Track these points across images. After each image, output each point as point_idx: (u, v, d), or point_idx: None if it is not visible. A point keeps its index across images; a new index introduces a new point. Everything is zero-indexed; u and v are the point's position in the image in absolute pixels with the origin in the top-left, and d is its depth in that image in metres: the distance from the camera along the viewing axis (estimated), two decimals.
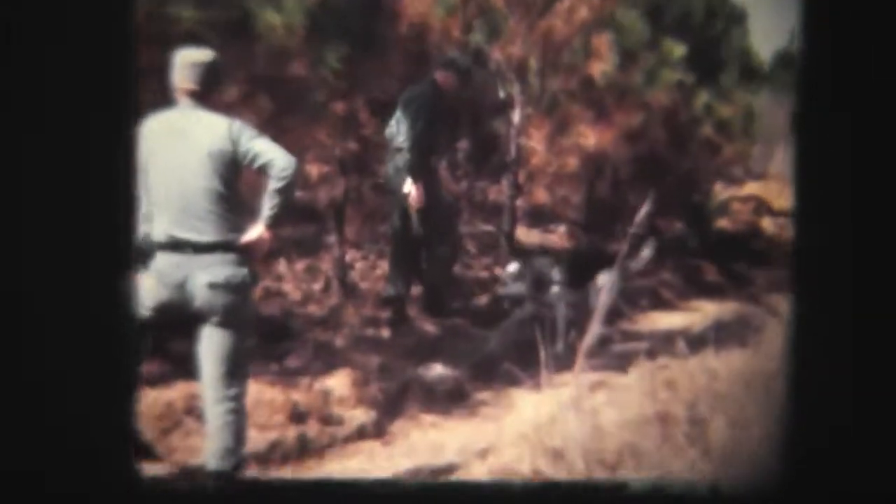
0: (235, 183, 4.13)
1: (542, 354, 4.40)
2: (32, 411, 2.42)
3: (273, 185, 4.08)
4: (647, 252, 7.14)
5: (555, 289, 6.96)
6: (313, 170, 7.10)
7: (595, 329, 4.42)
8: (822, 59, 2.47)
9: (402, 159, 6.81)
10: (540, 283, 7.01)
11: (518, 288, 7.03)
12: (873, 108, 2.46)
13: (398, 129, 6.85)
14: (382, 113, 7.24)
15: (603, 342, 6.39)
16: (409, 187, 6.79)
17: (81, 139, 2.41)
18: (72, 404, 2.43)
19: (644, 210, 4.23)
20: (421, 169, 6.84)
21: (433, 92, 6.98)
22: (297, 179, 4.16)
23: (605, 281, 6.77)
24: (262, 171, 4.11)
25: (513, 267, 7.17)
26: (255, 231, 4.13)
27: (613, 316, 6.78)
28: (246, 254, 4.13)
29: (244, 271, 4.11)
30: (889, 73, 2.44)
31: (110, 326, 2.45)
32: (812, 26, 2.47)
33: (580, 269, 7.08)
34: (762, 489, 2.76)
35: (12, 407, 2.41)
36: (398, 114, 6.90)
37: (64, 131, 2.40)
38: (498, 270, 8.98)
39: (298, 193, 5.98)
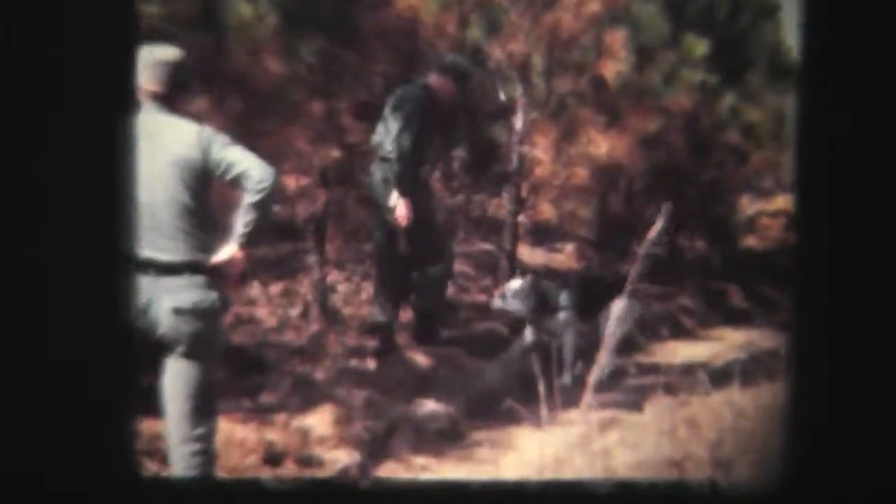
0: (205, 196, 4.10)
1: (546, 388, 4.39)
2: (32, 411, 2.54)
3: (248, 198, 4.04)
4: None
5: (562, 315, 6.97)
6: (291, 181, 7.10)
7: (606, 361, 4.44)
8: (822, 60, 2.54)
9: (388, 169, 6.76)
10: (544, 307, 7.01)
11: (517, 306, 7.03)
12: (876, 110, 2.54)
13: (385, 136, 6.80)
14: (368, 117, 7.25)
15: (615, 375, 6.44)
16: (396, 201, 6.73)
17: (80, 138, 2.50)
18: (72, 404, 2.55)
19: (658, 225, 4.23)
20: (409, 180, 6.77)
21: (426, 96, 6.94)
22: (275, 193, 4.13)
23: (619, 308, 6.75)
24: (236, 183, 4.07)
25: (517, 283, 7.16)
26: (227, 251, 4.10)
27: (627, 346, 6.80)
28: (216, 276, 4.10)
29: (214, 296, 4.09)
30: (890, 73, 2.52)
31: (110, 326, 2.55)
32: (813, 27, 2.54)
33: (592, 295, 7.06)
34: (762, 489, 2.86)
35: (12, 407, 2.51)
36: (385, 118, 6.86)
37: (59, 133, 2.49)
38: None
39: (275, 208, 5.98)
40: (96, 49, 2.50)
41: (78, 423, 2.59)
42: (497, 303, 7.26)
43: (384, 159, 6.78)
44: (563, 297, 7.03)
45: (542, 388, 4.37)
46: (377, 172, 6.88)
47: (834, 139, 2.57)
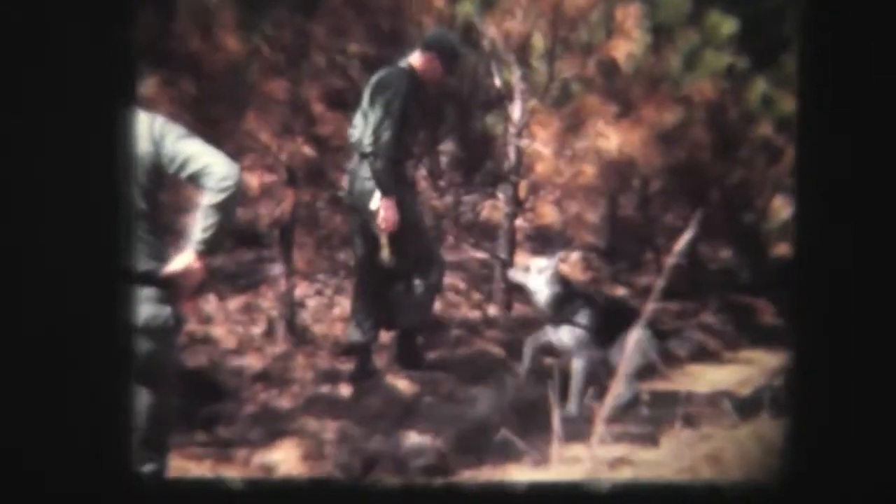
0: (158, 197, 4.14)
1: (557, 419, 4.42)
2: (33, 411, 2.70)
3: (209, 199, 4.01)
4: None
5: (577, 332, 6.87)
6: (253, 179, 7.10)
7: (620, 391, 4.48)
8: (823, 60, 2.68)
9: (368, 166, 6.70)
10: (562, 307, 6.93)
11: (539, 286, 6.95)
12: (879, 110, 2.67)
13: (364, 128, 6.75)
14: (343, 106, 7.28)
15: (628, 405, 6.49)
16: (378, 202, 6.65)
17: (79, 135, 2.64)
18: (72, 404, 2.71)
19: (687, 236, 4.28)
20: (393, 178, 6.69)
21: (410, 80, 6.84)
22: (239, 192, 4.12)
23: (634, 340, 6.70)
24: (194, 180, 4.08)
25: (545, 261, 7.10)
26: (183, 259, 4.12)
27: (643, 371, 6.82)
28: (170, 289, 4.12)
29: (167, 311, 4.13)
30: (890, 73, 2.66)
31: (110, 326, 2.68)
32: (813, 27, 2.68)
33: (614, 320, 6.90)
34: (762, 489, 3.00)
35: (12, 407, 2.67)
36: (363, 107, 6.82)
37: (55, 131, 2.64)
38: (492, 310, 9.06)
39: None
40: (97, 47, 2.63)
41: (78, 423, 2.74)
42: (517, 275, 7.20)
43: (364, 155, 6.72)
44: (583, 315, 6.91)
45: (555, 417, 4.37)
46: (357, 171, 6.83)
47: (837, 143, 2.71)
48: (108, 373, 2.77)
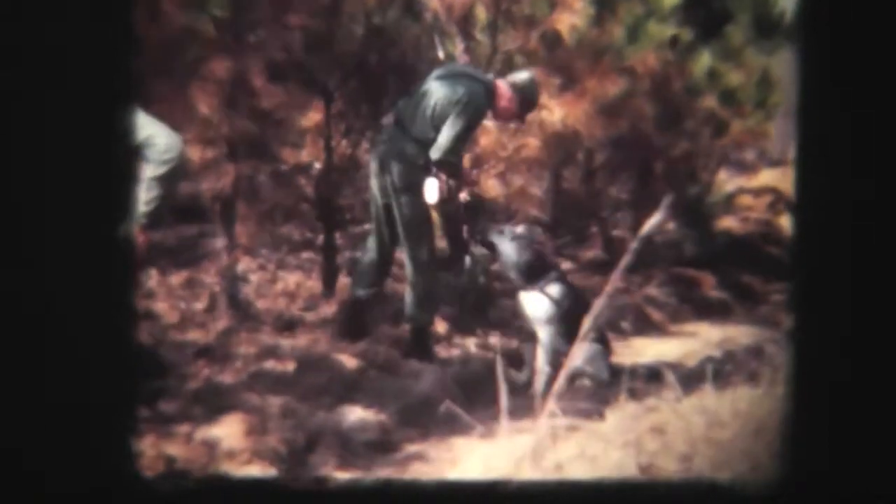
0: None
1: (504, 393, 4.43)
2: (33, 411, 2.69)
3: (151, 171, 4.02)
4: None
5: (546, 304, 6.82)
6: (194, 153, 7.08)
7: (576, 364, 4.50)
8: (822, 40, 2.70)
9: (422, 156, 7.05)
10: (534, 277, 6.93)
11: (509, 252, 6.99)
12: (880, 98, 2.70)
13: (430, 122, 7.07)
14: (283, 78, 7.28)
15: (572, 378, 6.51)
16: (437, 197, 7.04)
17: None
18: (72, 404, 2.70)
19: (655, 219, 4.26)
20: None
21: (488, 101, 7.24)
22: (182, 165, 4.11)
23: (582, 352, 6.70)
24: (136, 152, 4.07)
25: (523, 230, 7.14)
26: None
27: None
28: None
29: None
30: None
31: (111, 325, 2.68)
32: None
33: (579, 302, 6.89)
34: (762, 489, 3.03)
35: (12, 407, 2.67)
36: (436, 108, 7.08)
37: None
38: None
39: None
40: (97, 46, 2.63)
41: (78, 423, 2.75)
42: (492, 235, 7.19)
43: (417, 141, 7.10)
44: (554, 289, 6.92)
45: (502, 389, 4.39)
46: (404, 150, 7.15)
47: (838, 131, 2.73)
48: (110, 371, 2.78)
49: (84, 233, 2.75)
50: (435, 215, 7.24)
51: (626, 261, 4.13)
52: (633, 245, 4.15)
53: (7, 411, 2.77)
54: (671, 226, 12.05)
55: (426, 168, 7.01)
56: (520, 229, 7.09)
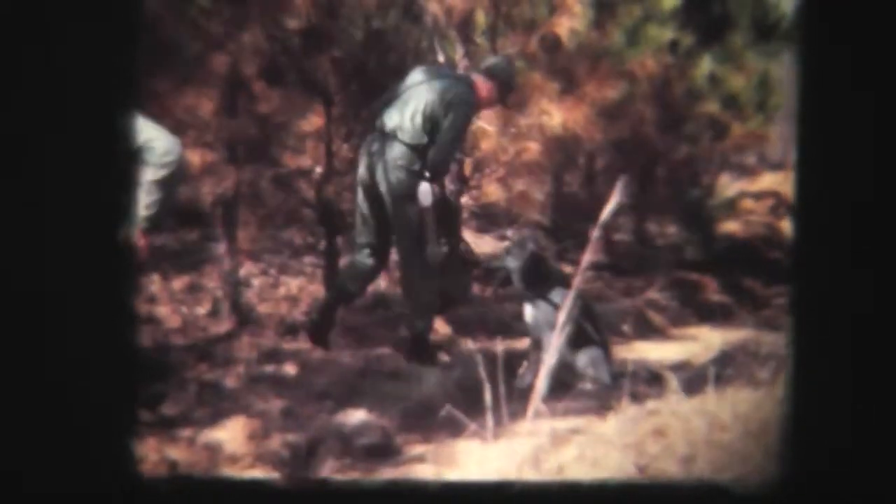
0: None
1: (493, 395, 4.43)
2: (33, 411, 2.71)
3: (151, 174, 4.03)
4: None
5: (549, 310, 6.77)
6: (195, 157, 7.08)
7: (553, 360, 4.51)
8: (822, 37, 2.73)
9: (411, 158, 7.04)
10: (534, 283, 6.89)
11: (511, 263, 6.96)
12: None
13: (419, 125, 7.05)
14: (282, 83, 7.30)
15: (574, 380, 6.54)
16: (430, 199, 7.03)
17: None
18: (72, 404, 2.71)
19: (613, 203, 4.26)
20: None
21: (472, 97, 7.25)
22: (182, 168, 4.13)
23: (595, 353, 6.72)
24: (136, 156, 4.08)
25: (523, 232, 7.10)
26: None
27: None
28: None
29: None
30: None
31: (112, 324, 2.70)
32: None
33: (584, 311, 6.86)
34: (762, 489, 3.05)
35: (12, 407, 2.68)
36: (426, 112, 7.05)
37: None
38: None
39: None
40: (97, 44, 2.66)
41: (78, 422, 2.76)
42: (503, 257, 7.13)
43: (414, 148, 7.06)
44: (557, 294, 6.80)
45: (487, 392, 4.39)
46: (388, 157, 7.11)
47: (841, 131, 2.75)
48: (111, 371, 2.79)
49: (84, 235, 2.76)
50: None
51: (591, 249, 4.14)
52: (595, 234, 4.16)
53: (7, 411, 2.78)
54: (673, 229, 12.05)
55: (420, 174, 7.01)
56: (519, 234, 7.09)
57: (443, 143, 6.99)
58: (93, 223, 2.74)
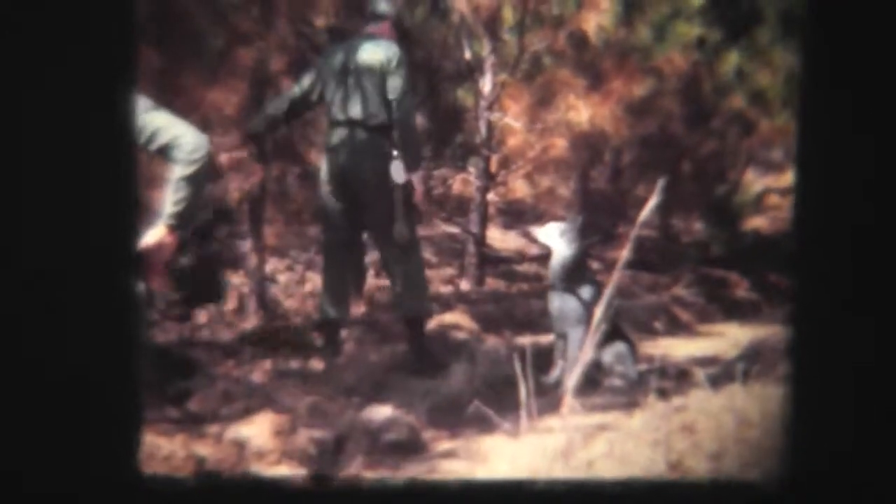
0: None
1: (525, 391, 4.42)
2: (33, 411, 2.72)
3: (179, 171, 4.05)
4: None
5: (577, 305, 6.73)
6: (221, 154, 7.09)
7: (587, 357, 4.50)
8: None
9: (375, 139, 6.75)
10: (571, 275, 6.82)
11: (559, 245, 6.81)
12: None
13: (370, 100, 6.74)
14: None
15: (602, 377, 6.53)
16: (404, 176, 6.71)
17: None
18: (73, 403, 2.72)
19: (651, 204, 4.25)
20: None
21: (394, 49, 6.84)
22: (210, 165, 4.14)
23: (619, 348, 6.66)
24: (164, 153, 4.10)
25: (567, 225, 6.94)
26: (155, 234, 4.16)
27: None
28: (141, 264, 4.15)
29: (139, 287, 4.14)
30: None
31: (114, 325, 2.70)
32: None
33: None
34: (762, 489, 3.04)
35: (12, 407, 2.69)
36: (375, 80, 6.74)
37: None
38: (464, 285, 9.08)
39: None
40: (97, 43, 2.66)
41: (78, 422, 2.77)
42: (542, 235, 6.99)
43: (372, 128, 6.74)
44: (587, 290, 6.76)
45: (522, 388, 4.37)
46: (354, 145, 6.81)
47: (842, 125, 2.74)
48: (111, 371, 2.78)
49: (84, 233, 2.74)
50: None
51: (628, 249, 4.12)
52: (633, 233, 4.15)
53: (7, 411, 2.77)
54: (699, 226, 12.03)
55: (390, 154, 6.68)
56: (563, 225, 6.91)
57: (398, 100, 6.71)
58: (95, 220, 2.72)
